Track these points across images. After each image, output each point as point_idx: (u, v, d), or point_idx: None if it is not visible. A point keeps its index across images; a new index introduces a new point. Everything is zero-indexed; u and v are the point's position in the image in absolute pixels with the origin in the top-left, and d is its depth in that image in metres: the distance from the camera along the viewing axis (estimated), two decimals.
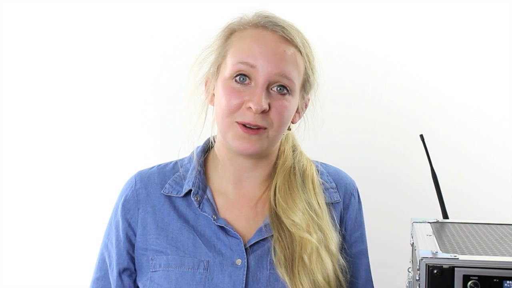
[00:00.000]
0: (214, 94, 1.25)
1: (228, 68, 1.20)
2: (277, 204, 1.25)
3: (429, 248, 0.98)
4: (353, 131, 1.78)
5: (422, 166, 1.39)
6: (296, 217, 1.23)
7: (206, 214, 1.24)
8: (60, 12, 1.77)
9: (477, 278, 0.91)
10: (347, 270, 1.26)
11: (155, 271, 1.23)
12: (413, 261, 1.15)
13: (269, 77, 1.18)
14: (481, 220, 1.25)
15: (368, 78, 1.77)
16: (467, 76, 1.75)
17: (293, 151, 1.32)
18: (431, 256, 0.93)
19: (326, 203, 1.28)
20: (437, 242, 1.03)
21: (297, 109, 1.27)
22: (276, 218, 1.24)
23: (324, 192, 1.29)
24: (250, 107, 1.17)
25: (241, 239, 1.22)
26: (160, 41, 1.79)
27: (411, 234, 1.21)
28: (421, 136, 1.31)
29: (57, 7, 1.77)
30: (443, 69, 1.75)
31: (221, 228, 1.23)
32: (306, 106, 1.31)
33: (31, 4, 1.77)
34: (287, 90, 1.20)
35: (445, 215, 1.29)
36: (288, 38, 1.21)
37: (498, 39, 1.73)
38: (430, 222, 1.22)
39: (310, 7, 1.74)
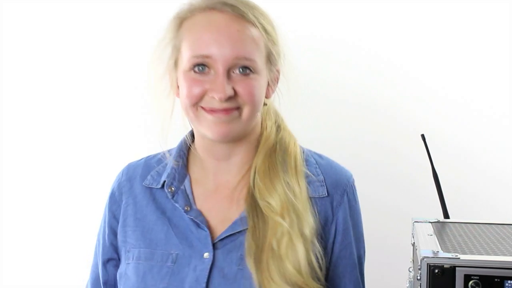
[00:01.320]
0: (178, 87, 1.19)
1: (184, 62, 1.15)
2: (255, 185, 1.18)
3: (430, 247, 0.97)
4: (354, 131, 1.78)
5: (423, 166, 1.39)
6: (272, 199, 1.15)
7: (178, 205, 1.20)
8: (60, 12, 1.77)
9: (478, 277, 0.91)
10: (322, 256, 1.16)
11: (128, 263, 1.20)
12: (414, 260, 1.15)
13: (227, 63, 1.11)
14: (482, 220, 1.25)
15: (369, 78, 1.77)
16: (467, 76, 1.75)
17: (277, 129, 1.25)
18: (432, 255, 0.93)
19: (309, 197, 1.19)
20: (438, 242, 1.03)
21: (268, 83, 1.20)
22: (252, 201, 1.17)
23: (308, 186, 1.20)
24: (214, 97, 1.12)
25: (208, 232, 1.16)
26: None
27: (412, 233, 1.20)
28: (422, 135, 1.31)
29: (57, 7, 1.77)
30: (444, 69, 1.75)
31: (193, 220, 1.19)
32: (277, 78, 1.22)
33: (31, 4, 1.77)
34: (250, 70, 1.13)
35: (446, 215, 1.28)
36: (239, 15, 1.13)
37: (498, 39, 1.73)
38: (431, 222, 1.22)
39: (312, 7, 1.74)
